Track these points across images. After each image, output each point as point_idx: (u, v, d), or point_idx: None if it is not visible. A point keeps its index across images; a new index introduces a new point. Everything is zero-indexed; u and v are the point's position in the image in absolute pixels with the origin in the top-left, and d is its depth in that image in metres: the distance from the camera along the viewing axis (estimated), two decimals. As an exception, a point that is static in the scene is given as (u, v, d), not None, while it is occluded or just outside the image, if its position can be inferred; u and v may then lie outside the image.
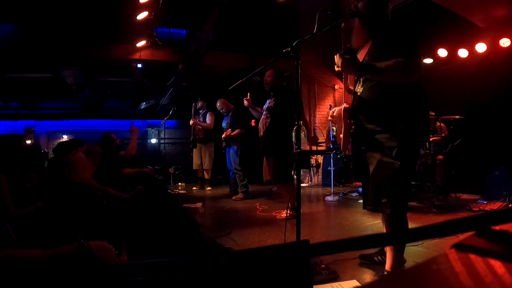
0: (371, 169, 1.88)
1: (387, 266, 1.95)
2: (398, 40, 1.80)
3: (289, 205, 3.70)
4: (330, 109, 7.82)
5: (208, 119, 6.40)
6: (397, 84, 1.81)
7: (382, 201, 1.80)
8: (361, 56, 1.93)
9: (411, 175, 1.97)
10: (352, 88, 1.98)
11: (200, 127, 6.42)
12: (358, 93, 1.92)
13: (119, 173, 3.72)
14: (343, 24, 1.86)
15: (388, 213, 1.82)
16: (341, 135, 1.96)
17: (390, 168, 1.79)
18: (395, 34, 1.84)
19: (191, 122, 6.45)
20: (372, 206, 1.87)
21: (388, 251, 1.96)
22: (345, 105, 1.92)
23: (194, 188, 6.95)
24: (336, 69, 1.86)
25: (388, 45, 1.82)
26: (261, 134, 3.81)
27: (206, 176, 6.72)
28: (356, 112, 1.92)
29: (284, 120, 3.71)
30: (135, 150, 3.96)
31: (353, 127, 1.93)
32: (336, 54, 1.83)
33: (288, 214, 3.63)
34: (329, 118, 2.12)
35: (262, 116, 3.88)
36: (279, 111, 3.76)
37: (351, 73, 1.89)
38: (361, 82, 1.93)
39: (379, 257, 2.23)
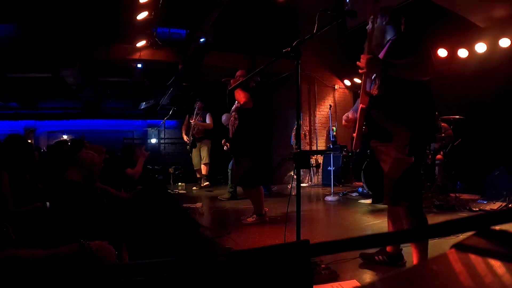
0: (386, 166, 1.98)
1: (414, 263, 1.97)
2: (409, 43, 1.97)
3: (255, 210, 3.65)
4: (329, 109, 7.86)
5: (209, 119, 6.53)
6: (410, 85, 1.92)
7: (399, 195, 1.92)
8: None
9: (420, 166, 2.07)
10: (368, 90, 2.09)
11: (201, 128, 6.48)
12: (373, 94, 2.02)
13: (121, 175, 3.71)
14: (368, 31, 2.05)
15: (406, 206, 1.92)
16: (354, 134, 2.06)
17: (405, 164, 1.91)
18: (407, 40, 2.00)
19: (192, 122, 6.48)
20: (389, 200, 1.99)
21: (413, 247, 1.99)
22: (361, 105, 2.02)
23: (194, 188, 6.96)
24: (360, 71, 1.96)
25: (400, 48, 1.97)
26: (230, 135, 3.71)
27: (204, 172, 6.72)
28: (370, 111, 2.02)
29: (252, 122, 3.57)
30: (138, 176, 3.84)
31: (365, 127, 2.04)
32: (361, 56, 1.95)
33: (254, 219, 3.61)
34: (343, 122, 2.25)
35: (231, 118, 3.74)
36: (247, 112, 3.59)
37: (376, 71, 1.98)
38: (376, 84, 2.03)
39: (379, 257, 2.23)
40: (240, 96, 3.53)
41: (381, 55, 2.06)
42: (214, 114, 6.64)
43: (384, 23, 2.10)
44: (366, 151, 5.74)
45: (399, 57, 1.92)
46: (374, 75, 2.04)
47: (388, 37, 2.10)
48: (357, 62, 1.96)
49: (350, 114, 2.21)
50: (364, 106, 2.02)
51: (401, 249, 2.25)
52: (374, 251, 2.28)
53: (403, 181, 1.91)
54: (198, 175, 6.94)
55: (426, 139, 2.08)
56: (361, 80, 2.09)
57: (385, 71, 1.90)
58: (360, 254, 2.31)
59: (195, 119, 6.51)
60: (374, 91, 2.03)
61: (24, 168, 2.76)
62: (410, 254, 2.24)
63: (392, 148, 1.95)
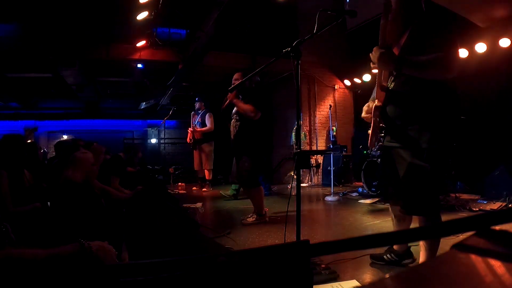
0: (401, 171, 1.83)
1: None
2: (434, 34, 1.73)
3: (255, 210, 3.66)
4: (329, 109, 7.82)
5: (208, 121, 6.44)
6: (430, 82, 1.74)
7: (416, 205, 1.80)
8: (396, 50, 1.87)
9: (442, 174, 1.95)
10: (385, 84, 1.92)
11: (200, 132, 6.43)
12: (390, 87, 1.89)
13: (122, 174, 3.72)
14: (382, 21, 1.84)
15: (423, 217, 1.82)
16: (369, 131, 1.95)
17: (421, 172, 1.74)
18: (431, 27, 1.76)
19: (189, 129, 6.45)
20: (406, 210, 1.87)
21: (422, 247, 1.91)
22: (376, 102, 1.90)
23: (194, 188, 6.95)
24: (372, 66, 1.82)
25: (424, 38, 1.74)
26: (232, 137, 3.72)
27: (207, 177, 6.70)
28: (386, 107, 1.89)
29: (253, 122, 3.57)
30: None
31: (381, 124, 1.92)
32: (373, 49, 1.78)
33: (254, 219, 3.61)
34: (364, 114, 2.06)
35: (232, 120, 3.75)
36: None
37: (388, 68, 1.82)
38: (393, 78, 1.89)
39: (388, 255, 2.20)
40: (246, 111, 3.51)
41: (397, 48, 1.87)
42: (214, 114, 6.61)
43: (402, 5, 1.83)
44: (365, 150, 5.76)
45: (419, 49, 1.71)
46: None
47: (408, 23, 1.83)
48: (370, 54, 1.81)
49: (371, 104, 1.98)
50: (379, 103, 1.88)
51: (409, 247, 2.20)
52: (383, 250, 2.25)
53: (416, 190, 1.76)
54: (199, 175, 6.92)
55: (447, 145, 1.79)
56: (376, 73, 1.90)
57: (399, 70, 1.74)
58: (370, 256, 2.27)
59: (193, 124, 6.47)
60: (391, 85, 1.87)
61: (23, 167, 2.76)
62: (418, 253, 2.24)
63: (408, 151, 1.79)
